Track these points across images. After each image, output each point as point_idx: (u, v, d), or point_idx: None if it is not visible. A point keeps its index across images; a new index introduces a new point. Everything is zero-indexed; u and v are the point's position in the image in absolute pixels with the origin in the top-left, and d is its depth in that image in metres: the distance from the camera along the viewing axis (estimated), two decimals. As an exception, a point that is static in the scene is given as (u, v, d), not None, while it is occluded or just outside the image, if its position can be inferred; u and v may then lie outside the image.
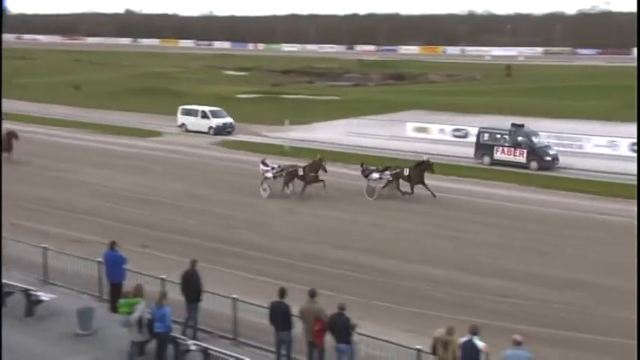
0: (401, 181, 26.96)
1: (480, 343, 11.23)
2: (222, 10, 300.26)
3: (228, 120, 43.85)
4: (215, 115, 43.99)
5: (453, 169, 31.67)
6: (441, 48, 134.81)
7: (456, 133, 40.14)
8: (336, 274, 18.46)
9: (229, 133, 42.93)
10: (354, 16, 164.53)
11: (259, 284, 16.99)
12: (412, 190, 26.70)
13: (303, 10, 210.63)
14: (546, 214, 24.69)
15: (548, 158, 32.39)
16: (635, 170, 30.63)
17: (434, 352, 11.61)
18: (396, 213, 24.99)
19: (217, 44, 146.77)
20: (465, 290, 17.28)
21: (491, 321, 14.61)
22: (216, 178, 31.03)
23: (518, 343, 10.90)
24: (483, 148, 33.99)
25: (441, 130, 40.84)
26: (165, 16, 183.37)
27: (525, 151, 32.41)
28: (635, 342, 12.22)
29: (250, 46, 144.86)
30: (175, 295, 14.15)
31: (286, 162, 29.55)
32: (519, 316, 15.67)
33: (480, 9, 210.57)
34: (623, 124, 43.23)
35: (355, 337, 12.42)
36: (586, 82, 73.81)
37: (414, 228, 23.14)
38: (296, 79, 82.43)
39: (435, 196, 25.98)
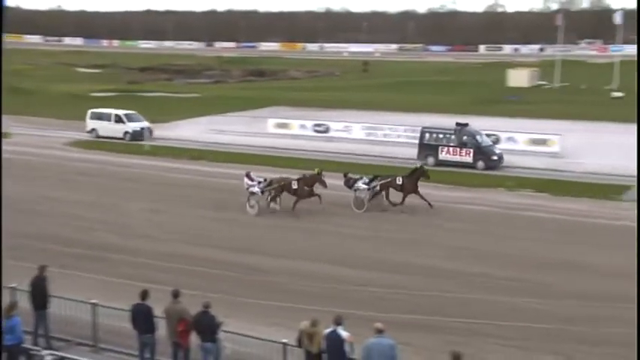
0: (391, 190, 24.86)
1: (344, 333, 11.43)
2: (71, 4, 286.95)
3: (145, 124, 40.44)
4: (131, 118, 40.69)
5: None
6: (300, 45, 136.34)
7: (317, 129, 40.75)
8: (200, 273, 18.21)
9: (144, 139, 39.03)
10: (212, 13, 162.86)
11: (121, 287, 16.44)
12: (404, 200, 24.53)
13: (159, 6, 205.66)
14: (416, 204, 25.40)
15: (495, 157, 32.05)
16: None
17: (299, 344, 11.72)
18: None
19: (68, 40, 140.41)
20: (332, 282, 17.58)
21: (357, 311, 14.92)
22: (71, 179, 29.72)
23: (380, 331, 11.12)
24: (427, 148, 33.02)
25: (302, 126, 41.32)
26: (8, 9, 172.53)
27: (472, 150, 32.00)
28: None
29: (104, 42, 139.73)
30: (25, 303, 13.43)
31: (273, 174, 26.25)
32: (385, 305, 16.10)
33: (337, 6, 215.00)
34: (473, 117, 45.75)
35: (221, 335, 12.31)
36: (438, 77, 77.37)
37: (282, 224, 23.24)
38: (154, 77, 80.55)
39: (431, 205, 24.13)
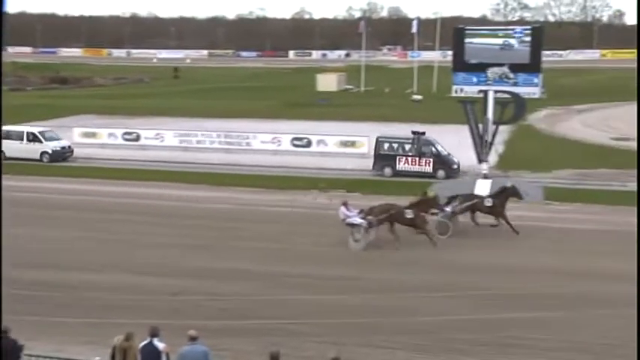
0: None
1: (160, 345, 11.18)
2: None
3: (65, 143, 36.27)
4: (48, 137, 35.80)
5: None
6: (105, 51, 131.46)
7: (127, 137, 39.44)
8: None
9: (66, 159, 35.35)
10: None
11: None
12: (498, 220, 22.61)
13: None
14: (216, 210, 25.43)
15: (455, 166, 31.61)
16: (295, 163, 33.46)
17: (113, 360, 11.27)
18: (54, 222, 23.63)
19: None
20: (142, 293, 17.06)
21: (174, 320, 14.62)
22: None
23: (193, 339, 11.02)
24: (383, 158, 32.05)
25: (111, 135, 39.78)
26: None
27: (431, 160, 31.50)
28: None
29: None
30: None
31: (373, 202, 23.08)
32: (202, 312, 15.91)
33: (143, 12, 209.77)
34: (285, 121, 46.77)
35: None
36: (250, 82, 78.12)
37: (82, 235, 22.11)
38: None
39: (517, 232, 22.13)
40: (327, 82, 72.95)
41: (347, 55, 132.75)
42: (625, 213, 23.90)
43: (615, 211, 24.82)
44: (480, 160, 28.25)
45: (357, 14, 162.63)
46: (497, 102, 27.76)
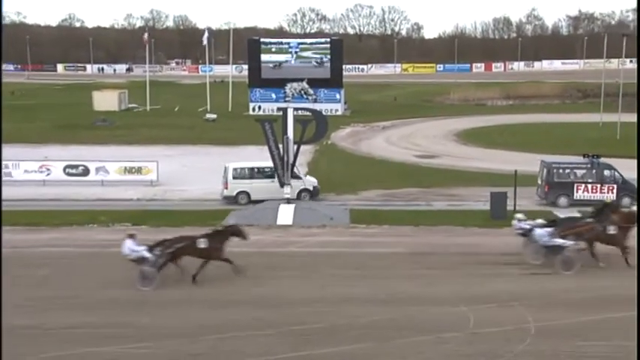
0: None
1: None
2: None
3: None
4: None
5: None
6: None
7: None
8: None
9: None
10: None
11: None
12: (624, 251, 21.93)
13: None
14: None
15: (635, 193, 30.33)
16: (70, 195, 32.05)
17: None
18: None
19: None
20: None
21: None
22: None
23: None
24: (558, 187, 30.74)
25: None
26: None
27: (614, 186, 30.36)
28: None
29: None
30: None
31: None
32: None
33: None
34: (56, 146, 44.69)
35: None
36: (9, 100, 73.80)
37: None
38: None
39: (629, 263, 21.66)
40: (106, 101, 70.94)
41: (128, 69, 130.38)
42: (431, 232, 25.70)
43: (421, 231, 26.39)
44: (282, 184, 28.87)
45: (139, 23, 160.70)
46: (298, 120, 28.60)
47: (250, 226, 25.25)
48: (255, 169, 31.57)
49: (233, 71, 74.33)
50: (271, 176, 30.65)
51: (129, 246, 20.44)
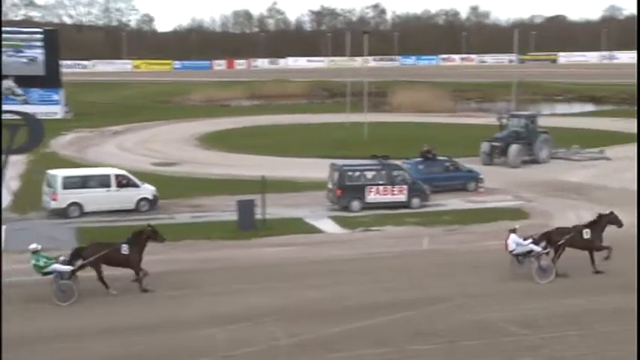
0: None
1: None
2: None
3: None
4: None
5: None
6: None
7: None
8: None
9: None
10: None
11: None
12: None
13: None
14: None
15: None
16: None
17: None
18: None
19: None
20: None
21: None
22: None
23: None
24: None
25: None
26: None
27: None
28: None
29: None
30: None
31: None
32: None
33: None
34: None
35: None
36: None
37: None
38: None
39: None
40: None
41: None
42: (173, 248, 24.27)
43: (163, 247, 24.44)
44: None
45: None
46: (6, 125, 25.71)
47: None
48: (89, 177, 30.61)
49: None
50: (107, 185, 30.02)
51: None
